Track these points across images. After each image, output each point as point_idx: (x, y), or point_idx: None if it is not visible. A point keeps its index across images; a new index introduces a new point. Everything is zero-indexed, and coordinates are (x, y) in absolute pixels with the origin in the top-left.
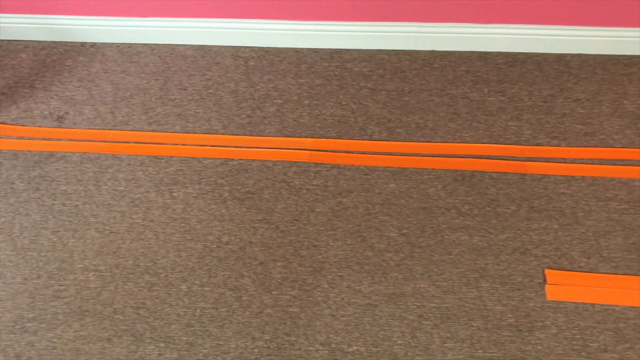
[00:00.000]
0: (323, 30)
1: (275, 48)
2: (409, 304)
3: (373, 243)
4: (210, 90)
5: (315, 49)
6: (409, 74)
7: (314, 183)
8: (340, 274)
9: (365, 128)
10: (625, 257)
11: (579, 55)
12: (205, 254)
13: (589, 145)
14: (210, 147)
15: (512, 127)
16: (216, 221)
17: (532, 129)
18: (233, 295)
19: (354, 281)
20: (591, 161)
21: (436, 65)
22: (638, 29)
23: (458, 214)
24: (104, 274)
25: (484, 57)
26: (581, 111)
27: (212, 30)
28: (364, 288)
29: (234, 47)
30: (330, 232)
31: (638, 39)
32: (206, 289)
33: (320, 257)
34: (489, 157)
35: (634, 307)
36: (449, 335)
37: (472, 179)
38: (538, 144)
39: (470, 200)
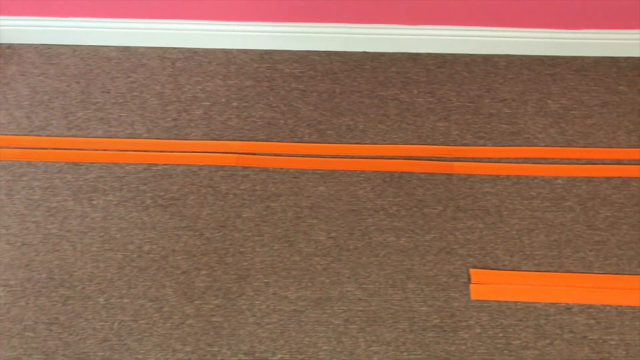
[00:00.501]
0: (253, 31)
1: (204, 49)
2: (336, 308)
3: (301, 247)
4: (135, 93)
5: (245, 49)
6: (340, 75)
7: (241, 187)
8: (266, 280)
9: (295, 130)
10: (547, 254)
11: (506, 55)
12: (125, 264)
13: (514, 144)
14: (133, 152)
15: (440, 128)
16: (137, 229)
17: (459, 129)
18: (154, 306)
19: (280, 287)
20: (516, 160)
21: (367, 67)
22: (561, 30)
23: (386, 215)
24: (14, 289)
25: (414, 59)
26: (507, 111)
27: (138, 31)
28: (290, 294)
29: (161, 49)
30: (257, 238)
31: (561, 40)
32: (125, 300)
33: (246, 263)
34: (417, 158)
35: (554, 303)
36: (374, 338)
37: (400, 180)
38: (465, 144)
39: (398, 202)
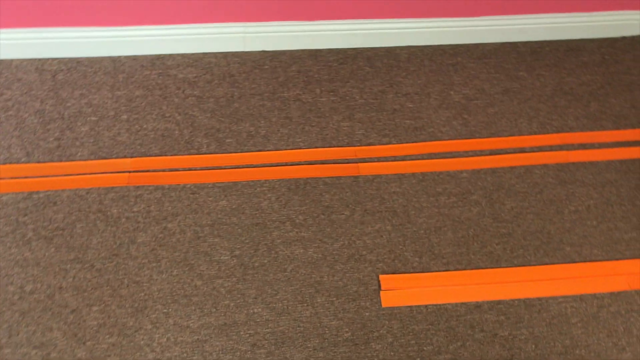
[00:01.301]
0: (142, 36)
1: (88, 58)
2: (242, 333)
3: (202, 270)
4: (11, 112)
5: (135, 56)
6: (239, 77)
7: (135, 210)
8: (165, 310)
9: (192, 141)
10: (455, 251)
11: (408, 47)
12: (4, 309)
13: (419, 140)
14: (10, 179)
15: (345, 128)
16: (18, 267)
17: (364, 128)
18: (39, 353)
19: (181, 317)
20: (421, 156)
21: (266, 67)
22: (461, 18)
23: (292, 225)
24: None
25: (315, 56)
26: (410, 105)
27: (11, 41)
28: (192, 323)
29: (39, 60)
30: (154, 265)
31: (461, 28)
32: (6, 351)
33: (142, 294)
34: (322, 162)
35: (464, 303)
36: None
37: (306, 187)
38: (370, 144)
39: (304, 210)
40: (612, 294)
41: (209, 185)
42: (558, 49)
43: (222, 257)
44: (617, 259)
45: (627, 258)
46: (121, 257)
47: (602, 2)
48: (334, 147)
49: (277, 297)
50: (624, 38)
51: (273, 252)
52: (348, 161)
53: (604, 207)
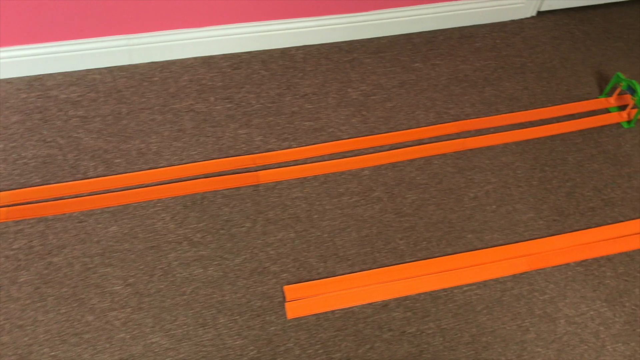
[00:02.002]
0: (16, 57)
1: None
2: None
3: (93, 304)
4: None
5: (9, 79)
6: (126, 92)
7: (15, 247)
8: (53, 353)
9: (77, 166)
10: (360, 252)
11: (304, 47)
12: None
13: (319, 141)
14: None
15: (242, 136)
16: None
17: (262, 133)
18: None
19: (72, 357)
20: (322, 158)
21: (156, 79)
22: (354, 14)
23: (190, 245)
24: None
25: (208, 63)
26: (309, 106)
27: None
28: None
29: None
30: (39, 304)
31: (355, 23)
32: None
33: (26, 339)
34: (219, 174)
35: (371, 304)
36: None
37: (203, 202)
38: (269, 150)
39: (202, 227)
40: (514, 276)
41: (98, 212)
42: (451, 37)
43: (114, 288)
44: (516, 242)
45: (526, 239)
46: (1, 302)
47: None
48: (232, 156)
49: (177, 323)
50: (513, 21)
51: (170, 275)
52: (247, 170)
53: (502, 191)
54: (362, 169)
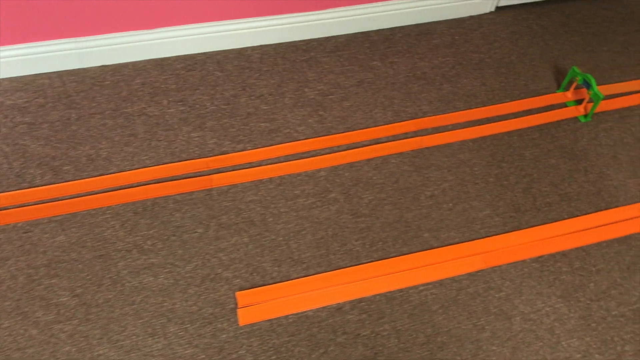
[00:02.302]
0: None
1: None
2: None
3: (38, 317)
4: None
5: None
6: (76, 97)
7: None
8: None
9: (23, 174)
10: (315, 254)
11: (260, 47)
12: None
13: (275, 142)
14: None
15: (196, 139)
16: None
17: (216, 136)
18: None
19: None
20: (278, 160)
21: (107, 82)
22: (310, 12)
23: (140, 252)
24: None
25: (161, 65)
26: (265, 107)
27: None
28: None
29: None
30: None
31: (312, 22)
32: None
33: None
34: (171, 179)
35: (326, 307)
36: None
37: (154, 208)
38: (223, 152)
39: (153, 234)
40: (470, 274)
41: (45, 221)
42: (409, 34)
43: (60, 299)
44: (473, 239)
45: (483, 236)
46: None
47: None
48: (184, 160)
49: (125, 333)
50: (471, 17)
51: (119, 284)
52: (200, 174)
53: (458, 188)
54: (319, 170)
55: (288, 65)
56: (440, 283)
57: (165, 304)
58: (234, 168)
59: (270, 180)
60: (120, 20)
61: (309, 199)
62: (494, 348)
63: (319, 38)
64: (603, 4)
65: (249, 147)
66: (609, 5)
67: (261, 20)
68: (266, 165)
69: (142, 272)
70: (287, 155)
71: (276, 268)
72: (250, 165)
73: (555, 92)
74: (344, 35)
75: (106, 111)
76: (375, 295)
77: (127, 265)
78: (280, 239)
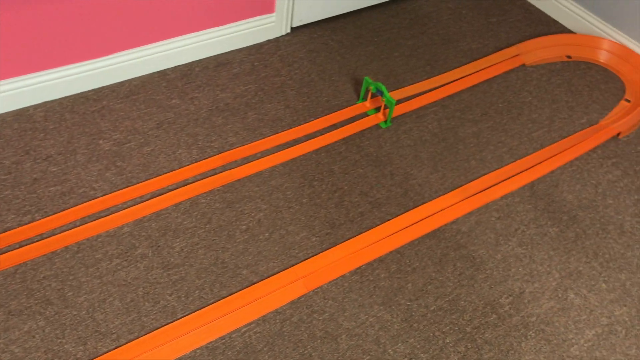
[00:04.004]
0: None
1: None
2: None
3: None
4: None
5: None
6: None
7: None
8: None
9: None
10: (125, 321)
11: (44, 104)
12: None
13: (68, 206)
14: None
15: None
16: None
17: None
18: None
19: None
20: (73, 224)
21: None
22: (97, 59)
23: None
24: None
25: None
26: (54, 169)
27: None
28: None
29: None
30: None
31: (100, 70)
32: None
33: None
34: None
35: None
36: None
37: None
38: (7, 229)
39: None
40: (292, 302)
41: None
42: (208, 66)
43: None
44: (292, 265)
45: (301, 260)
46: None
47: (238, 11)
48: None
49: None
50: (269, 41)
51: None
52: None
53: (273, 216)
54: (122, 227)
55: (78, 119)
56: (264, 319)
57: None
58: (20, 245)
59: (66, 249)
60: None
61: (113, 261)
62: None
63: (110, 84)
64: (391, 12)
65: (38, 217)
66: (395, 12)
67: (41, 75)
68: (59, 233)
69: None
70: (83, 218)
71: (81, 347)
72: (41, 237)
73: (356, 104)
74: (138, 77)
75: None
76: (194, 351)
77: None
78: (84, 312)
